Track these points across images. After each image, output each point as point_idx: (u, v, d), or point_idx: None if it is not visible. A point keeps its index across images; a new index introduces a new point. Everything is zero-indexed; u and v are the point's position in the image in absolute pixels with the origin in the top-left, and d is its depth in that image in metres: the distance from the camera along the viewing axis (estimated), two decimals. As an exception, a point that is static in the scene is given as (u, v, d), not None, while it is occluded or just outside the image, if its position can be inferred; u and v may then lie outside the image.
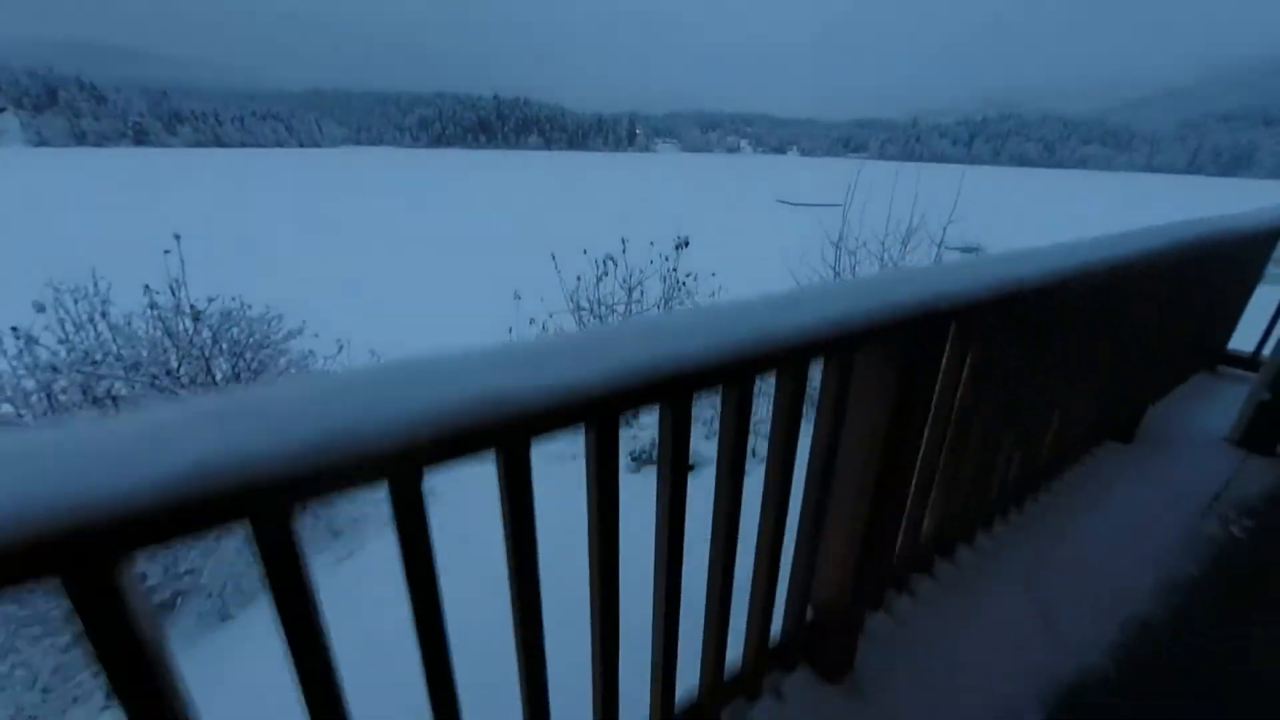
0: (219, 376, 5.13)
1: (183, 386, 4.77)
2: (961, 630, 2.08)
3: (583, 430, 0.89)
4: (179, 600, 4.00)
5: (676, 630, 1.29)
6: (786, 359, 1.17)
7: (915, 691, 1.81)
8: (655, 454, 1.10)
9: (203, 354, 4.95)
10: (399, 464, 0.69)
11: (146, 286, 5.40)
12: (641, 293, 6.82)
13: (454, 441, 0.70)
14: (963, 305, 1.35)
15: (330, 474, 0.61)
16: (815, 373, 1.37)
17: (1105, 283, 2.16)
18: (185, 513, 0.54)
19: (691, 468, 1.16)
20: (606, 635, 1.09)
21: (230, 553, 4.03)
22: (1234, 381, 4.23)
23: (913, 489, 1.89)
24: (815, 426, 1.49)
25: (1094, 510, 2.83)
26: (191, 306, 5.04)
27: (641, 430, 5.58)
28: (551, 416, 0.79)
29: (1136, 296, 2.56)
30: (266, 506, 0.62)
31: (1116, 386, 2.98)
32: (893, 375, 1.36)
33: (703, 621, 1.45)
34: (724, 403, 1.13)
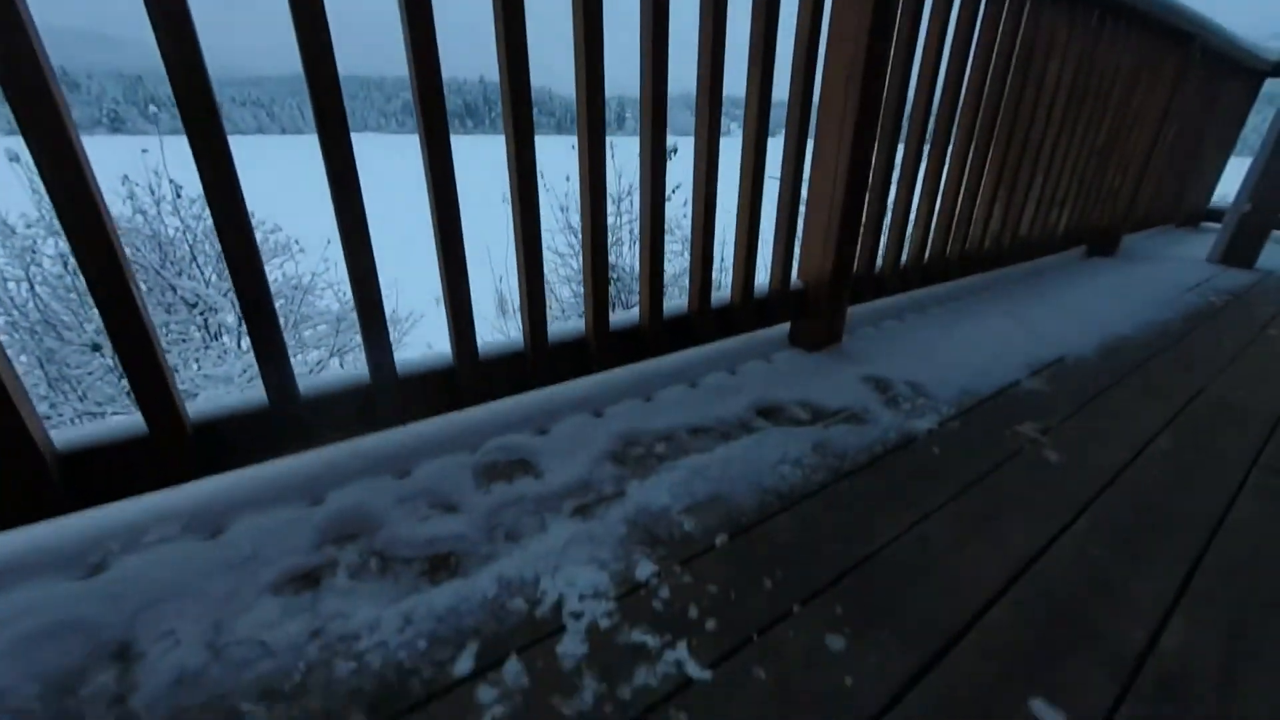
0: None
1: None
2: (946, 330, 2.10)
3: None
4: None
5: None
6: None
7: (901, 359, 1.82)
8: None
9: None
10: None
11: (125, 177, 5.31)
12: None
13: None
14: None
15: None
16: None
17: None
18: None
19: None
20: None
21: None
22: (1215, 234, 4.28)
23: (894, 190, 1.91)
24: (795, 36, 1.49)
25: (1079, 281, 2.87)
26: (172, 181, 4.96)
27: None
28: None
29: (1123, 77, 2.57)
30: None
31: (1100, 183, 3.01)
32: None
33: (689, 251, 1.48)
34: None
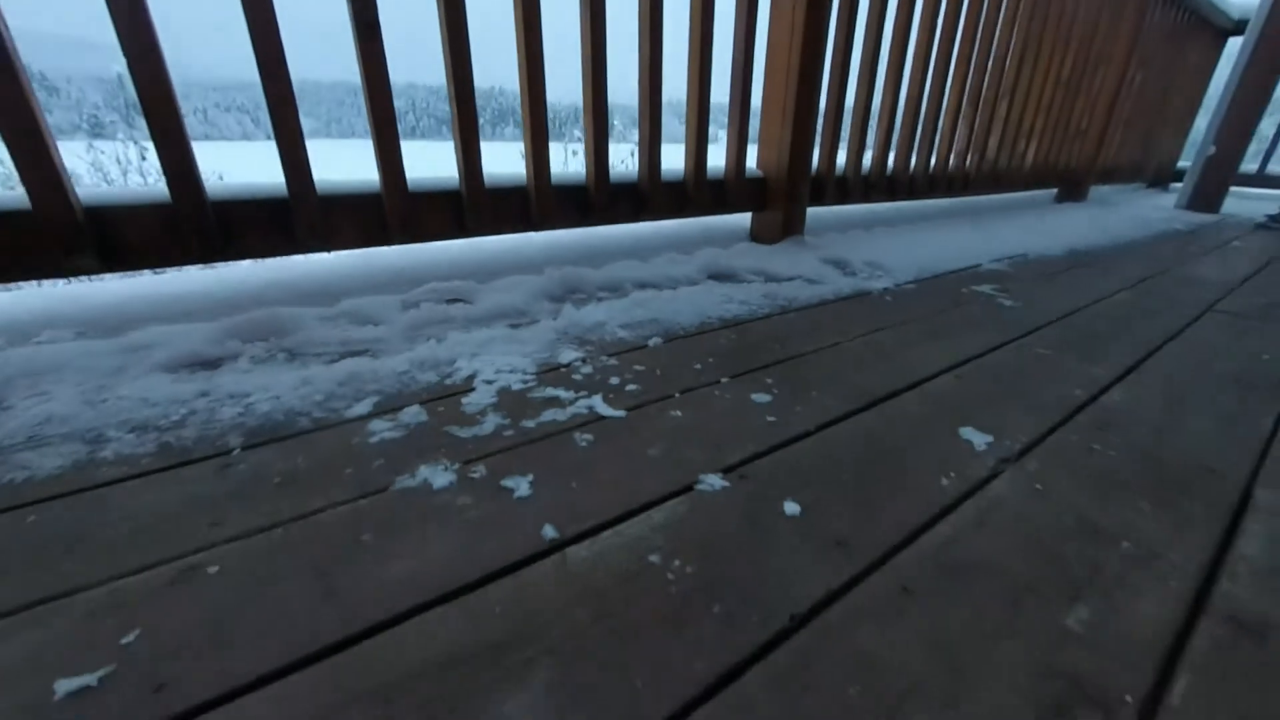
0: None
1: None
2: (913, 237, 2.07)
3: None
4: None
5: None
6: None
7: (864, 249, 1.79)
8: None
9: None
10: None
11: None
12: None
13: None
14: None
15: None
16: None
17: None
18: None
19: None
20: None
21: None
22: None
23: (853, 88, 1.89)
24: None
25: (1049, 215, 2.88)
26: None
27: None
28: None
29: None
30: None
31: (1068, 122, 3.02)
32: None
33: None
34: None
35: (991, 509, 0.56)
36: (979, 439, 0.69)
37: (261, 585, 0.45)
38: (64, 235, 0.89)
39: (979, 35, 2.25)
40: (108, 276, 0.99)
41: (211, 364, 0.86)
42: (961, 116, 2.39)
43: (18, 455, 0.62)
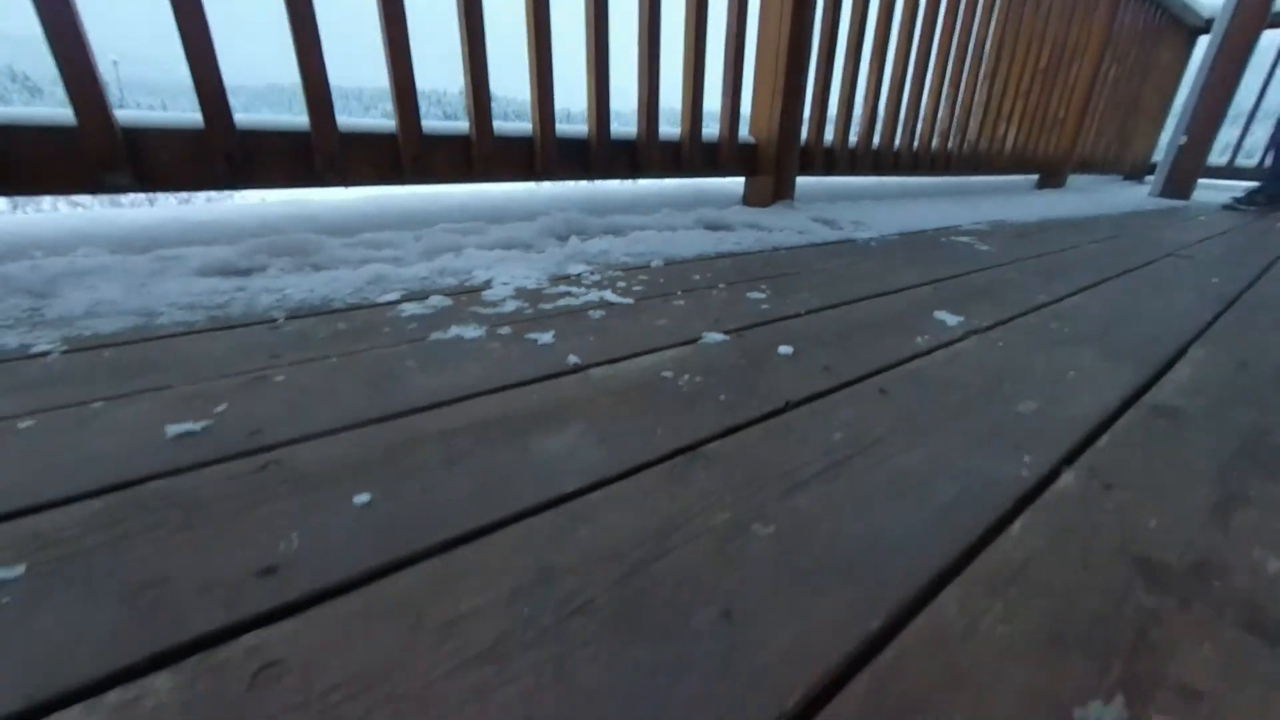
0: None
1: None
2: (898, 208, 2.17)
3: None
4: None
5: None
6: None
7: (851, 214, 1.88)
8: None
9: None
10: None
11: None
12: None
13: None
14: None
15: None
16: None
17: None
18: None
19: None
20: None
21: None
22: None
23: (840, 62, 1.99)
24: None
25: (1028, 198, 2.99)
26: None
27: None
28: None
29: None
30: None
31: (1045, 109, 3.15)
32: None
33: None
34: None
35: (959, 355, 0.64)
36: (952, 319, 0.77)
37: (322, 390, 0.51)
38: (104, 152, 0.95)
39: (959, 22, 2.36)
40: (136, 206, 1.04)
41: (243, 272, 0.92)
42: (944, 97, 2.50)
43: (80, 322, 0.68)
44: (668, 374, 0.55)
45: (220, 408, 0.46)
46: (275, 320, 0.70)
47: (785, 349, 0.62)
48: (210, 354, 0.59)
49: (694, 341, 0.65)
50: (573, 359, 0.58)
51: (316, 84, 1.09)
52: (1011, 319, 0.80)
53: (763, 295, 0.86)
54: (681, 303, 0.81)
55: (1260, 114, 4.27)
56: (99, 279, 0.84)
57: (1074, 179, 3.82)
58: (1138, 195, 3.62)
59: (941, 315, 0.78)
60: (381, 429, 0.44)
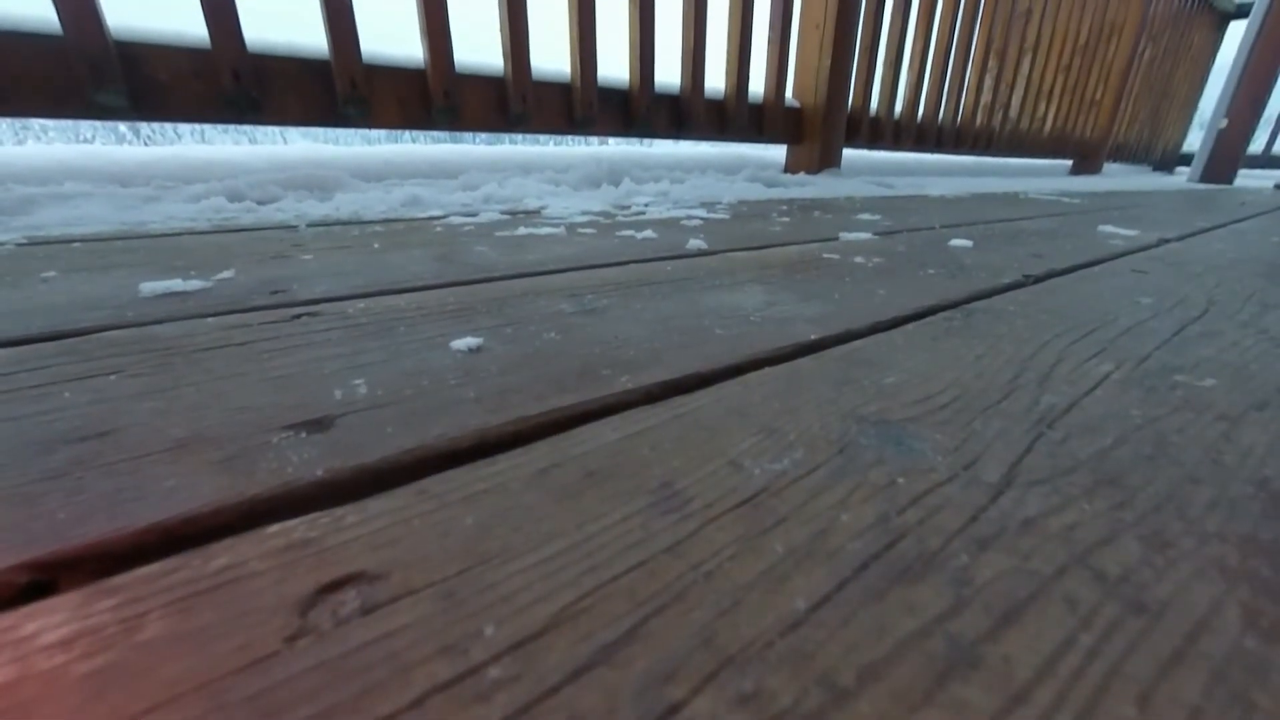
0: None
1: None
2: (944, 179, 2.04)
3: None
4: None
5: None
6: None
7: (899, 183, 1.75)
8: None
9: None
10: None
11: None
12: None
13: None
14: None
15: None
16: None
17: None
18: None
19: None
20: None
21: None
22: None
23: (888, 20, 1.87)
24: None
25: (1066, 180, 2.86)
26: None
27: None
28: None
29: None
30: None
31: (1083, 89, 3.02)
32: None
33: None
34: None
35: (1169, 252, 0.50)
36: (1125, 231, 0.62)
37: (365, 263, 0.37)
38: (93, 66, 0.81)
39: (1003, -11, 2.24)
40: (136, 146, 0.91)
41: (254, 200, 0.79)
42: (988, 70, 2.37)
43: (52, 229, 0.54)
44: (832, 256, 0.41)
45: (226, 273, 0.32)
46: (295, 227, 0.56)
47: (960, 241, 0.48)
48: (223, 246, 0.45)
49: (833, 239, 0.50)
50: (695, 243, 0.43)
51: (339, 9, 0.95)
52: (1182, 237, 0.65)
53: (876, 217, 0.71)
54: (787, 219, 0.66)
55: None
56: (84, 201, 0.71)
57: (1108, 166, 3.69)
58: (1177, 181, 3.48)
59: (1108, 228, 0.63)
60: (449, 290, 0.30)
